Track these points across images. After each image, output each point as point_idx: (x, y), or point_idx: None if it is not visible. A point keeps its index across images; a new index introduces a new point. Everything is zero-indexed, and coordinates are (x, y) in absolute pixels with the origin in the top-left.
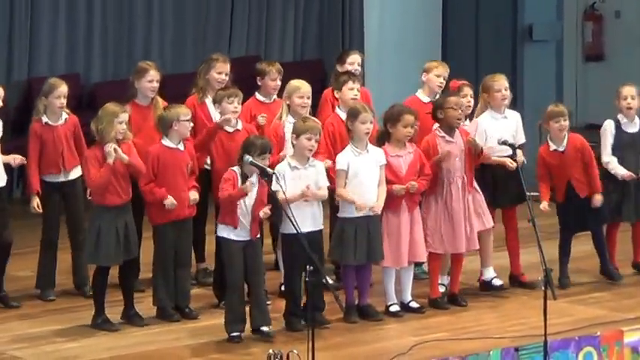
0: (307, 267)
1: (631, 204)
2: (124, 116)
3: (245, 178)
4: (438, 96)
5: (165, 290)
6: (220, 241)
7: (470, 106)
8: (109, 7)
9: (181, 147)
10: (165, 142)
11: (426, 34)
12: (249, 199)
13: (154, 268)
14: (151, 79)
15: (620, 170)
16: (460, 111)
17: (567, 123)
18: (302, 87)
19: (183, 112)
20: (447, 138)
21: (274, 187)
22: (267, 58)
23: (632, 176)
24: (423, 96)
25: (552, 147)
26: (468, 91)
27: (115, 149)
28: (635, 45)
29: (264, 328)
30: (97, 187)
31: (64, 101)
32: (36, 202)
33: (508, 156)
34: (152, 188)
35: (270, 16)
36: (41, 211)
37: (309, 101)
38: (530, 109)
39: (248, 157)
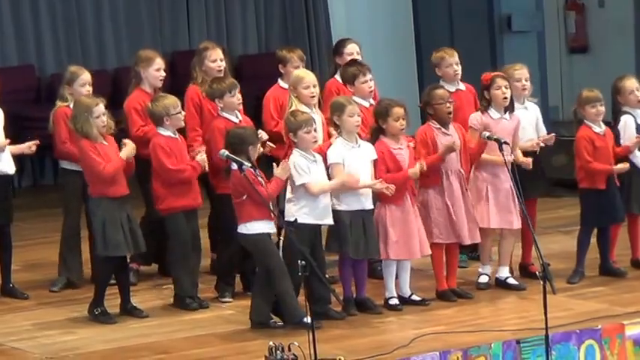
0: (299, 261)
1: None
2: (99, 109)
3: (255, 167)
4: (459, 84)
5: (189, 279)
6: (256, 239)
7: (506, 98)
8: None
9: (177, 136)
10: (163, 131)
11: (397, 23)
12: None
13: (172, 258)
14: (158, 67)
15: None
16: (448, 104)
17: (603, 108)
18: (305, 77)
19: (172, 104)
20: (443, 130)
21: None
22: (231, 50)
23: None
24: (449, 86)
25: (596, 129)
26: (501, 82)
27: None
28: (621, 35)
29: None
30: (113, 174)
31: (89, 89)
32: None
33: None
34: (184, 167)
35: (229, 5)
36: None
37: (317, 89)
38: None
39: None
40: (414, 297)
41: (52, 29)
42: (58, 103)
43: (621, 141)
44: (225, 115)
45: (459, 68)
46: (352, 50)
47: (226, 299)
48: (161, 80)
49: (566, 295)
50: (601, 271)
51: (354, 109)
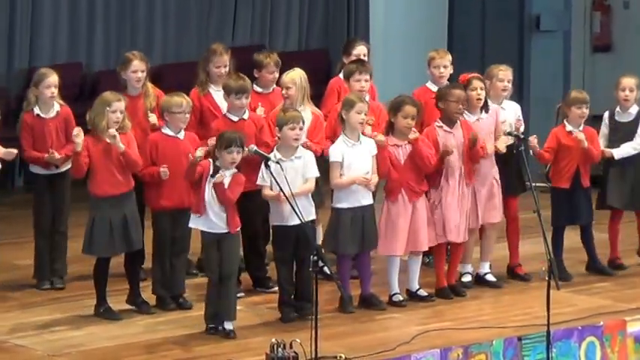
0: (311, 257)
1: (633, 192)
2: (118, 105)
3: (216, 170)
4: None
5: (162, 279)
6: (202, 236)
7: (480, 99)
8: None
9: (181, 136)
10: (165, 130)
11: (432, 23)
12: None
13: (153, 256)
14: (135, 69)
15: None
16: (461, 105)
17: (588, 111)
18: (283, 78)
19: (176, 103)
20: (445, 128)
21: (272, 177)
22: (272, 48)
23: (610, 153)
24: (432, 86)
25: (569, 128)
26: (477, 84)
27: (114, 136)
28: None
29: (227, 325)
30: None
31: (54, 91)
32: (56, 155)
33: (511, 146)
34: (147, 170)
35: (275, 4)
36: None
37: (290, 92)
38: (536, 100)
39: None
40: (421, 292)
41: (105, 27)
42: (24, 107)
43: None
44: (228, 114)
45: (445, 71)
46: (360, 52)
47: (238, 294)
48: (137, 82)
49: (570, 291)
50: (587, 269)
51: (363, 107)
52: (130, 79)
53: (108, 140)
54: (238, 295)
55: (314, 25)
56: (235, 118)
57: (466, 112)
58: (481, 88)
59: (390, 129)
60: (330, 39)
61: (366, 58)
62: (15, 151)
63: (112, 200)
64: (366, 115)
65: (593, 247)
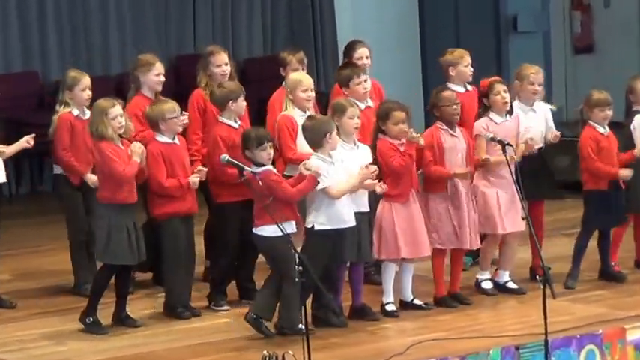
0: (296, 267)
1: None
2: (115, 110)
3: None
4: (467, 85)
5: (181, 288)
6: (276, 242)
7: (507, 102)
8: (62, 3)
9: (177, 141)
10: (160, 138)
11: (403, 24)
12: None
13: (166, 265)
14: (158, 72)
15: None
16: (455, 106)
17: (611, 112)
18: (304, 80)
19: (168, 109)
20: (450, 132)
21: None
22: (236, 54)
23: None
24: (457, 87)
25: (600, 130)
26: (500, 87)
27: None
28: (626, 35)
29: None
30: (132, 178)
31: (90, 93)
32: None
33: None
34: (172, 184)
35: (235, 8)
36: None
37: (313, 93)
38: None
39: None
40: (416, 301)
41: (58, 35)
42: (60, 109)
43: (635, 140)
44: (224, 121)
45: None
46: (362, 54)
47: (223, 307)
48: (159, 84)
49: (567, 299)
50: (600, 275)
51: (354, 111)
52: (152, 82)
53: (135, 157)
54: (224, 307)
55: (278, 30)
56: (235, 125)
57: (492, 114)
58: (504, 91)
59: (381, 133)
60: (297, 44)
61: (369, 61)
62: (30, 137)
63: (126, 208)
64: (359, 118)
65: (609, 252)
